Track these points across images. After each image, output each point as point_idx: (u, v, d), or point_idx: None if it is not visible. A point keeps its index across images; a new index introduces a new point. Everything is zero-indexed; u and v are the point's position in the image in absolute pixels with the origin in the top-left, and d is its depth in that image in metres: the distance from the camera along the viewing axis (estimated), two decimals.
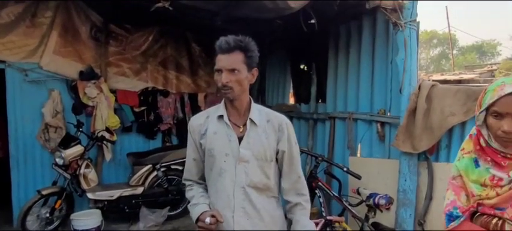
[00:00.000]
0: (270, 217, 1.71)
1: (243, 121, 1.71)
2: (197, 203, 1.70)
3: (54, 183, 4.57)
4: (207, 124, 1.73)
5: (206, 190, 1.80)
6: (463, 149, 1.54)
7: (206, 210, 1.63)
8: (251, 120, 1.69)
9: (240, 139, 1.67)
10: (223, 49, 1.59)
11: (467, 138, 1.54)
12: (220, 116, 1.71)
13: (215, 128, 1.70)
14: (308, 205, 1.78)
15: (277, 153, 1.72)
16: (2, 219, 4.96)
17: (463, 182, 1.50)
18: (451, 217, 1.49)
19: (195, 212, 1.66)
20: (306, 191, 1.80)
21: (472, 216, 1.48)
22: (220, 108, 1.74)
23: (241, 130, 1.70)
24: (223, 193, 1.66)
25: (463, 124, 3.12)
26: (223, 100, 1.75)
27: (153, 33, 5.67)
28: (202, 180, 1.82)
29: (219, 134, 1.69)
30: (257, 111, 1.73)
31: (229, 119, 1.70)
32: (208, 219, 1.56)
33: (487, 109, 1.39)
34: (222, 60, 1.60)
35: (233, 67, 1.59)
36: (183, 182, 1.88)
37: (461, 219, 1.46)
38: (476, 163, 1.46)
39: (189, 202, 1.79)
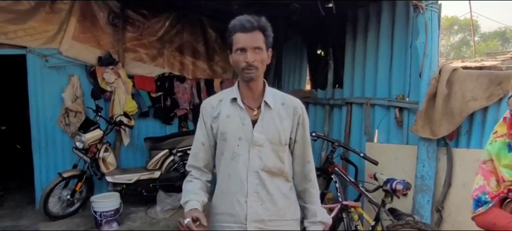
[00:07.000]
0: (283, 201, 1.68)
1: (257, 104, 1.66)
2: (188, 200, 1.59)
3: (75, 166, 4.68)
4: (220, 108, 1.68)
5: (206, 185, 1.74)
6: (496, 132, 1.48)
7: (193, 208, 1.53)
8: (265, 103, 1.65)
9: (254, 123, 1.63)
10: (247, 28, 1.54)
11: (500, 121, 1.48)
12: (234, 99, 1.66)
13: (228, 112, 1.65)
14: (316, 190, 1.76)
15: (291, 137, 1.68)
16: (25, 201, 5.16)
17: (493, 167, 1.45)
18: (479, 202, 1.44)
19: (185, 208, 1.58)
20: (314, 176, 1.77)
21: (502, 202, 1.43)
22: (233, 91, 1.69)
23: (255, 113, 1.65)
24: (237, 178, 1.63)
25: (484, 110, 3.04)
26: (236, 83, 1.71)
27: (169, 18, 5.70)
28: (206, 169, 1.75)
29: (232, 117, 1.64)
30: (271, 94, 1.68)
31: (243, 102, 1.65)
32: (187, 220, 1.43)
33: None
34: (246, 39, 1.55)
35: (257, 45, 1.55)
36: (187, 169, 1.78)
37: (490, 204, 1.41)
38: (509, 147, 1.40)
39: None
